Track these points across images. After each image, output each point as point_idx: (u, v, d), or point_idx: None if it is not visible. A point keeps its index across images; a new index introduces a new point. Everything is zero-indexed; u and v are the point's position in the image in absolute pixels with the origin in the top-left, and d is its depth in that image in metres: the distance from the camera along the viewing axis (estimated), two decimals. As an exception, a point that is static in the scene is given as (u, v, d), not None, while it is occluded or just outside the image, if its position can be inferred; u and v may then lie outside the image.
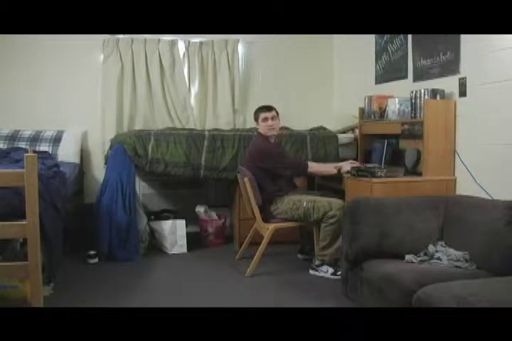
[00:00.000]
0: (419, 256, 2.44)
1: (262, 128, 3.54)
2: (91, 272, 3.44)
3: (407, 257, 2.44)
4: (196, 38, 4.57)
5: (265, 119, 3.49)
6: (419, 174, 3.21)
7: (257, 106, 3.64)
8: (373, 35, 4.14)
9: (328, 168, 3.55)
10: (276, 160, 3.45)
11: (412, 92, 3.29)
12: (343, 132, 4.35)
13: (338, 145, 4.14)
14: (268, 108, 3.54)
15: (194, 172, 3.91)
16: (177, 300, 2.90)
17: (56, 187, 2.91)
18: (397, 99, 3.47)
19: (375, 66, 4.15)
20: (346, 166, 3.46)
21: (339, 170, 3.46)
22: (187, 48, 4.59)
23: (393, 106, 3.48)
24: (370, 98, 3.82)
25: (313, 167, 3.52)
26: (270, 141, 3.56)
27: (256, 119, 3.56)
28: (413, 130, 3.23)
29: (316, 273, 3.34)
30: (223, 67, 4.61)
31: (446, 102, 3.14)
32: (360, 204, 2.61)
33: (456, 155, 3.13)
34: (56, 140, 4.16)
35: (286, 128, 4.24)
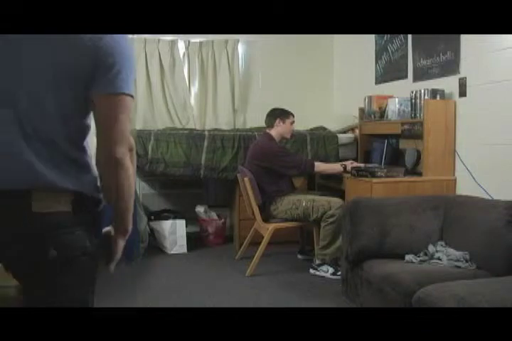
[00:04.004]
0: (419, 256, 2.44)
1: (287, 129, 3.59)
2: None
3: (407, 257, 2.44)
4: (196, 38, 4.57)
5: (292, 123, 3.62)
6: (419, 174, 3.21)
7: (267, 107, 3.71)
8: (373, 35, 4.14)
9: (335, 166, 3.57)
10: (281, 159, 3.45)
11: (412, 92, 3.29)
12: (343, 132, 4.35)
13: (338, 145, 4.14)
14: (293, 114, 3.63)
15: (194, 172, 3.91)
16: (177, 300, 2.90)
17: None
18: (397, 99, 3.47)
19: (375, 66, 4.15)
20: (350, 164, 3.49)
21: (345, 168, 3.47)
22: (187, 48, 4.59)
23: (393, 106, 3.48)
24: (370, 98, 3.82)
25: (320, 166, 3.53)
26: (276, 141, 3.57)
27: (282, 120, 3.57)
28: (413, 130, 3.23)
29: (317, 272, 3.34)
30: (223, 67, 4.62)
31: (446, 102, 3.14)
32: (360, 205, 2.61)
33: (456, 155, 3.13)
34: (56, 140, 4.16)
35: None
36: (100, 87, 1.13)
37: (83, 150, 1.22)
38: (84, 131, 1.22)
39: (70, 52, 1.12)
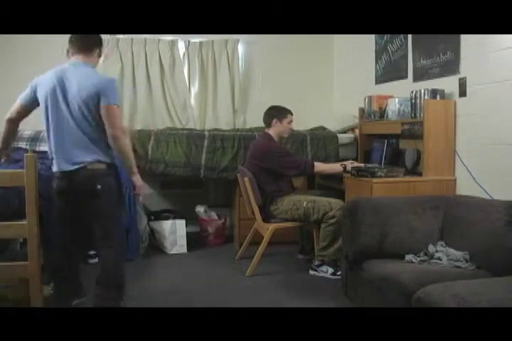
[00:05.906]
0: (419, 256, 2.44)
1: (284, 128, 3.57)
2: (91, 272, 3.44)
3: (407, 257, 2.44)
4: (196, 38, 4.58)
5: (291, 122, 3.58)
6: (419, 174, 3.21)
7: (266, 107, 3.68)
8: (373, 35, 4.14)
9: (334, 166, 3.57)
10: (281, 160, 3.44)
11: (412, 92, 3.29)
12: (343, 132, 4.35)
13: (338, 145, 4.14)
14: (291, 111, 3.59)
15: (194, 172, 3.91)
16: (177, 300, 2.90)
17: (56, 187, 2.92)
18: (397, 99, 3.47)
19: (375, 66, 4.15)
20: (350, 164, 3.48)
21: (345, 168, 3.47)
22: (187, 48, 4.59)
23: (393, 106, 3.48)
24: (370, 98, 3.82)
25: (319, 166, 3.52)
26: (275, 141, 3.57)
27: (280, 120, 3.54)
28: (413, 130, 3.23)
29: (316, 273, 3.34)
30: (223, 67, 4.62)
31: (446, 102, 3.14)
32: (360, 205, 2.61)
33: (456, 155, 3.13)
34: (56, 140, 4.19)
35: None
36: (101, 102, 2.31)
37: (105, 139, 2.38)
38: (104, 128, 2.35)
39: (92, 87, 2.32)
